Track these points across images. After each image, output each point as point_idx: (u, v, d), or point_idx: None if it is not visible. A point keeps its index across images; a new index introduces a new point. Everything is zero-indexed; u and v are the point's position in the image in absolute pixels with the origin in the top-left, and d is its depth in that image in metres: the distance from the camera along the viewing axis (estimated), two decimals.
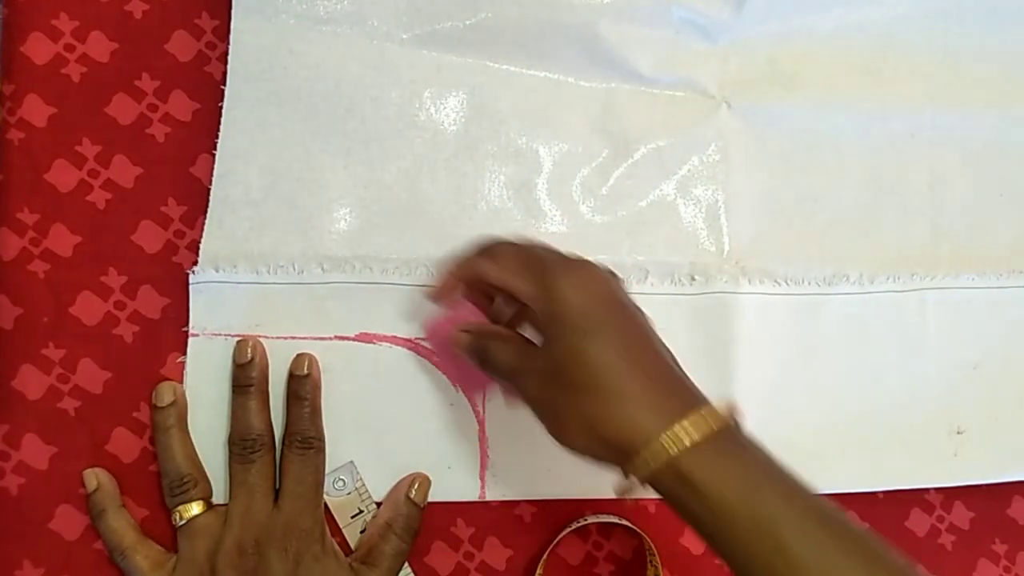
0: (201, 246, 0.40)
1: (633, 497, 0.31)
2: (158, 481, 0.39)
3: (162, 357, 0.40)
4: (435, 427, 0.41)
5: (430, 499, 0.40)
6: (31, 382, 0.39)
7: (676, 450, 0.30)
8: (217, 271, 0.40)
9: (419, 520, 0.39)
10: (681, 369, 0.34)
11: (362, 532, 0.40)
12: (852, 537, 0.30)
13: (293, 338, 0.40)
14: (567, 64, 0.44)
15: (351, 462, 0.40)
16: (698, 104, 0.45)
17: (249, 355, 0.39)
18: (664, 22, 0.44)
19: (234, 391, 0.39)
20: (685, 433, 0.30)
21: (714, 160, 0.45)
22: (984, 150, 0.47)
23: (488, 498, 0.41)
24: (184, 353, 0.40)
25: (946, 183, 0.47)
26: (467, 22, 0.43)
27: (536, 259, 0.35)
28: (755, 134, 0.45)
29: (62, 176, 0.41)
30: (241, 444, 0.38)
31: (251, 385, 0.39)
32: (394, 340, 0.41)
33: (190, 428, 0.39)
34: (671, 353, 0.34)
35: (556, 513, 0.41)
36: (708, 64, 0.45)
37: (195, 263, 0.40)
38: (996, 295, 0.45)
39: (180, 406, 0.39)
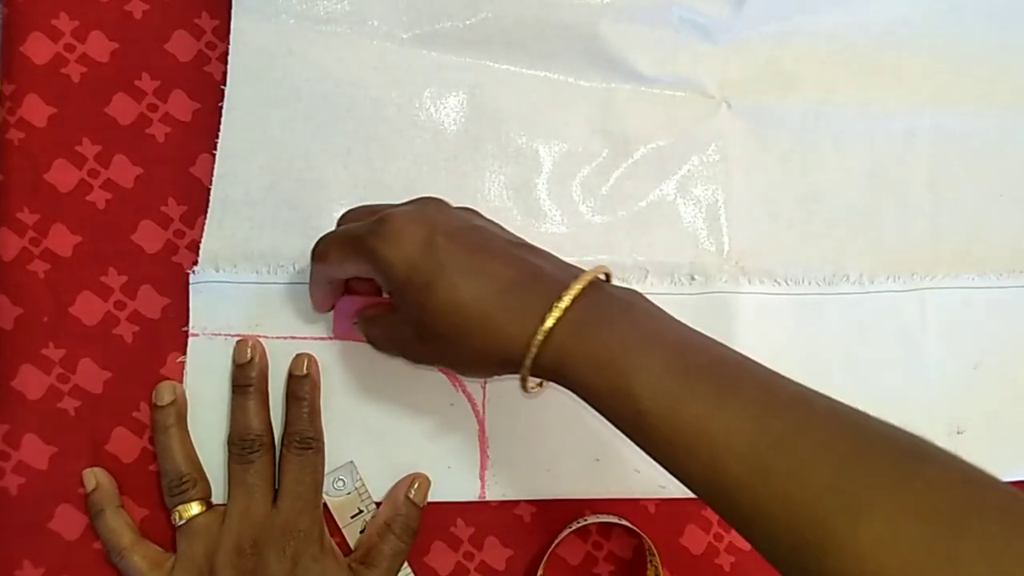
0: (201, 246, 0.40)
1: (530, 388, 0.32)
2: (158, 481, 0.39)
3: (162, 357, 0.40)
4: (435, 427, 0.41)
5: (430, 499, 0.40)
6: (31, 382, 0.39)
7: (535, 350, 0.31)
8: (217, 271, 0.40)
9: (418, 520, 0.39)
10: (529, 250, 0.34)
11: (361, 532, 0.40)
12: (707, 374, 0.29)
13: (293, 338, 0.40)
14: (567, 64, 0.44)
15: (351, 462, 0.40)
16: (698, 104, 0.45)
17: (249, 355, 0.39)
18: (664, 22, 0.44)
19: (233, 391, 0.39)
20: (541, 332, 0.30)
21: (714, 160, 0.45)
22: (984, 150, 0.47)
23: (488, 498, 0.41)
24: (184, 353, 0.40)
25: (946, 183, 0.47)
26: (467, 22, 0.43)
27: (350, 238, 0.34)
28: (755, 134, 0.45)
29: (62, 176, 0.41)
30: (240, 444, 0.38)
31: (250, 385, 0.39)
32: None
33: (190, 428, 0.39)
34: (513, 241, 0.34)
35: (556, 513, 0.41)
36: (708, 64, 0.45)
37: (195, 263, 0.40)
38: (996, 295, 0.45)
39: (180, 405, 0.39)
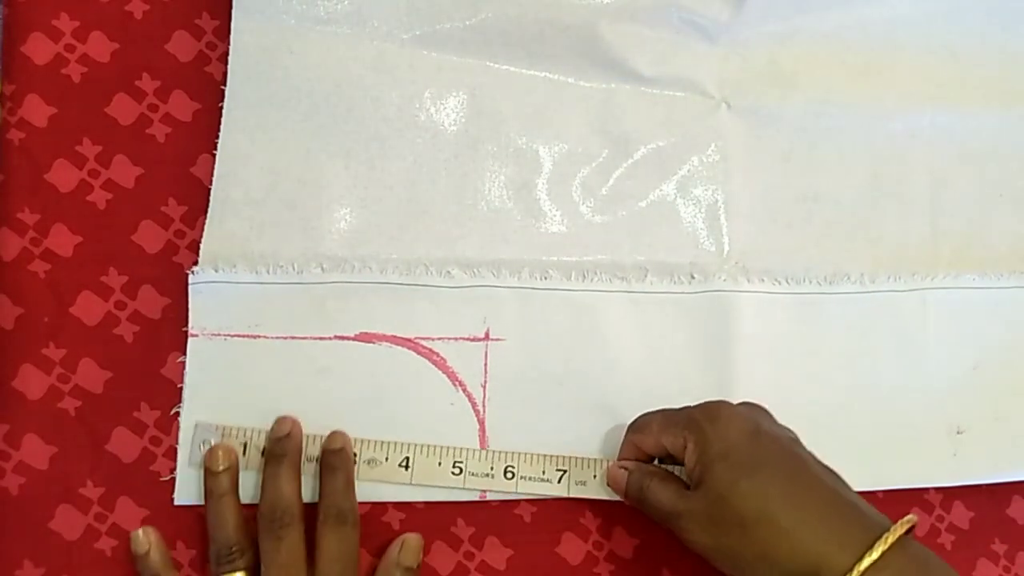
0: (201, 246, 0.40)
1: None
2: (158, 481, 0.39)
3: (162, 357, 0.40)
4: (435, 427, 0.41)
5: (430, 499, 0.40)
6: (31, 382, 0.39)
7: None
8: (217, 271, 0.40)
9: None
10: (846, 487, 0.34)
11: None
12: None
13: (293, 338, 0.40)
14: (567, 64, 0.44)
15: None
16: (698, 104, 0.45)
17: (287, 430, 0.38)
18: (664, 22, 0.44)
19: (267, 462, 0.38)
20: (873, 566, 0.31)
21: (714, 160, 0.45)
22: (984, 150, 0.47)
23: (488, 498, 0.41)
24: (184, 353, 0.40)
25: (946, 183, 0.47)
26: (467, 22, 0.43)
27: (678, 415, 0.37)
28: (755, 134, 0.45)
29: (62, 176, 0.41)
30: (270, 516, 0.37)
31: (285, 455, 0.38)
32: (394, 340, 0.41)
33: (190, 429, 0.39)
34: (834, 474, 0.35)
35: (556, 513, 0.41)
36: (708, 64, 0.45)
37: (195, 263, 0.40)
38: (996, 295, 0.45)
39: (234, 472, 0.38)
